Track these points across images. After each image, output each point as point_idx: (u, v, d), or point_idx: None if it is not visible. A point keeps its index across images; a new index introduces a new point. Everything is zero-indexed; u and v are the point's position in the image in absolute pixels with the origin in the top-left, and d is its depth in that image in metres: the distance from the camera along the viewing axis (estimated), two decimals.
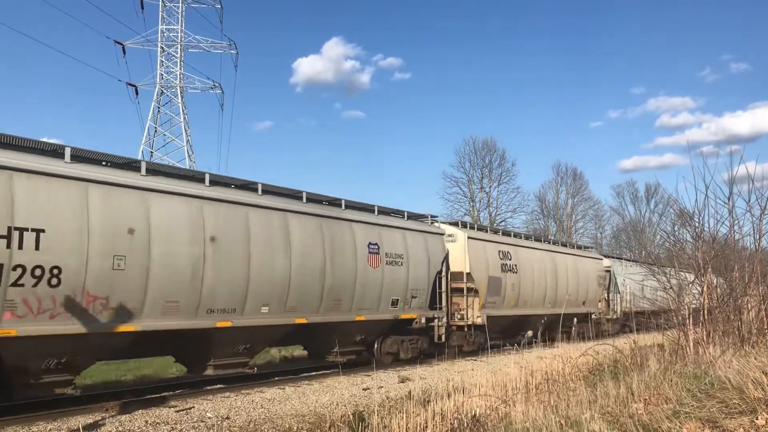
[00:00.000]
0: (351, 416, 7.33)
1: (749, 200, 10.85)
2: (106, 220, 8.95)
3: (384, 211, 15.27)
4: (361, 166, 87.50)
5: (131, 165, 10.03)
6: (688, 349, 9.82)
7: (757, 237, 10.99)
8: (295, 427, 8.21)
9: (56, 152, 9.09)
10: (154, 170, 10.27)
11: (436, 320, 15.99)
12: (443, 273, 16.39)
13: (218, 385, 12.06)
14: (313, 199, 13.22)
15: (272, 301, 11.44)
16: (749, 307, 10.61)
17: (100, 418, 8.49)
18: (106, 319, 8.97)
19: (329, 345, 13.43)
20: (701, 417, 5.76)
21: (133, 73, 72.42)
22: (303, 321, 12.17)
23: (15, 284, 7.93)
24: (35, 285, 8.12)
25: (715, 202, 10.88)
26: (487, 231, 20.03)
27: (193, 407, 9.36)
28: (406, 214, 16.07)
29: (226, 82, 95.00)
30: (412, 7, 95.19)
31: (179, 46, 43.55)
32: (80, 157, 9.25)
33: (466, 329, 17.56)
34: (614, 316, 26.38)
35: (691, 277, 11.23)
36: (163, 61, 43.35)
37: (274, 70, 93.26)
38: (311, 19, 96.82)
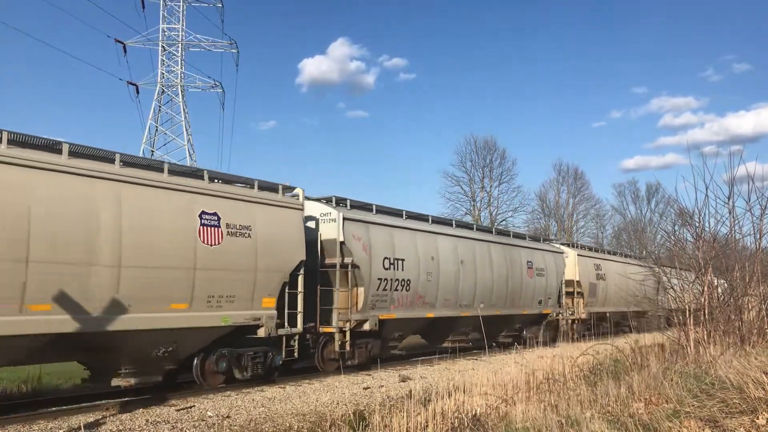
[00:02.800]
0: (352, 415, 7.35)
1: (749, 200, 10.86)
2: (424, 252, 15.83)
3: (531, 237, 22.87)
4: (364, 165, 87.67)
5: (420, 216, 16.82)
6: (688, 348, 9.82)
7: (758, 237, 10.99)
8: (295, 426, 8.23)
9: (398, 213, 16.01)
10: (436, 221, 17.33)
11: (560, 315, 22.61)
12: (562, 281, 22.92)
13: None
14: (499, 231, 20.70)
15: (485, 300, 18.18)
16: (750, 307, 10.63)
17: (100, 416, 8.53)
18: (423, 310, 15.86)
19: (500, 330, 20.08)
20: (702, 416, 5.77)
21: (134, 72, 72.40)
22: (498, 312, 18.89)
23: (395, 290, 14.81)
24: (400, 290, 15.00)
25: (715, 202, 10.89)
26: (585, 248, 26.97)
27: (194, 406, 9.39)
28: (541, 238, 23.63)
29: (227, 82, 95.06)
30: (418, 8, 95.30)
31: (180, 44, 43.53)
32: (393, 212, 16.09)
33: (577, 322, 23.71)
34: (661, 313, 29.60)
35: (691, 276, 11.23)
36: (164, 60, 43.32)
37: (279, 71, 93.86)
38: (317, 21, 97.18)
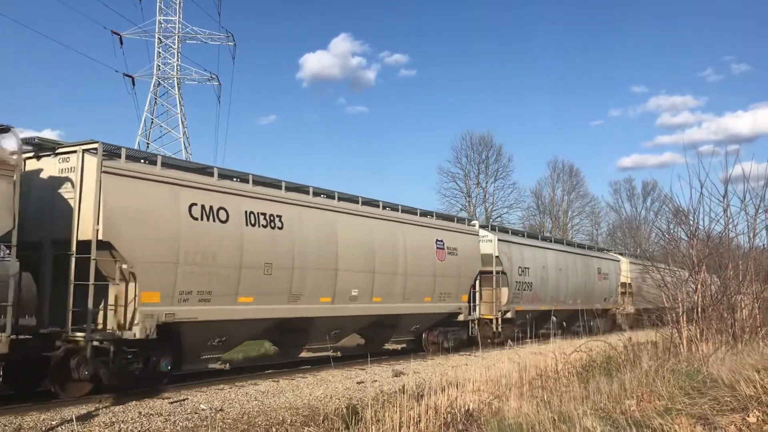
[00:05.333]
0: (344, 409, 7.34)
1: (744, 199, 10.90)
2: (540, 262, 21.90)
3: (598, 248, 29.66)
4: (364, 160, 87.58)
5: (533, 234, 23.25)
6: (681, 346, 9.86)
7: (752, 235, 11.04)
8: (288, 420, 8.24)
9: (521, 233, 22.41)
10: (543, 238, 23.84)
11: (617, 310, 28.66)
12: (619, 283, 29.22)
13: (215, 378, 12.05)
14: (579, 245, 27.47)
15: (572, 298, 24.29)
16: (743, 306, 10.67)
17: (93, 408, 8.51)
18: (538, 305, 21.92)
19: (576, 321, 25.00)
20: (693, 414, 5.80)
21: (130, 64, 71.90)
22: (578, 308, 24.07)
23: (524, 290, 20.84)
24: (527, 290, 21.01)
25: (710, 201, 10.92)
26: (633, 257, 31.95)
27: (187, 399, 9.39)
28: (605, 249, 30.49)
29: (225, 75, 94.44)
30: (420, 4, 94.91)
31: (177, 37, 43.24)
32: (519, 232, 22.55)
33: (626, 315, 29.24)
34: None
35: (685, 274, 11.26)
36: (160, 52, 43.02)
37: (280, 66, 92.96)
38: (319, 16, 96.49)
